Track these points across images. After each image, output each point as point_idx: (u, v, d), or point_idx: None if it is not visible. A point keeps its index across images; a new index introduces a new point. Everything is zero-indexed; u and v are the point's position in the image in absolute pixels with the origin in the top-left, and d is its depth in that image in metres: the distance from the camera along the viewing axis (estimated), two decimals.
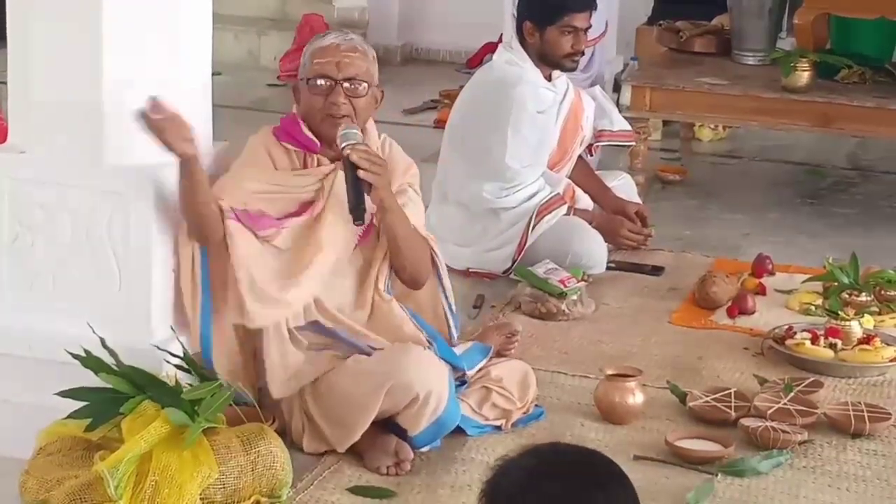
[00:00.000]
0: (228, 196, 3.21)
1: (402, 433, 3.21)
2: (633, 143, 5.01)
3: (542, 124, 4.40)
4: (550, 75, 4.44)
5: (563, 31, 4.33)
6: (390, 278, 3.37)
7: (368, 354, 3.24)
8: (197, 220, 3.17)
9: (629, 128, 4.82)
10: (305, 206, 3.28)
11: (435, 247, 3.42)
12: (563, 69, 4.42)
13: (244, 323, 3.20)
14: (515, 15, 4.48)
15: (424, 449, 3.23)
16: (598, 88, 4.91)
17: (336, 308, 3.27)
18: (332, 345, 3.27)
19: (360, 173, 3.15)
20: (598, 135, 4.72)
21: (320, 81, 3.26)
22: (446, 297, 3.46)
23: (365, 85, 3.28)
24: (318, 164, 3.31)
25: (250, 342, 3.29)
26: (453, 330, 3.47)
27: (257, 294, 3.17)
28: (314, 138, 3.30)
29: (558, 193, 4.44)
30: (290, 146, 3.31)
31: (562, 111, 4.48)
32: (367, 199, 3.18)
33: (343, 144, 3.19)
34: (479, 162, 4.40)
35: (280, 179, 3.28)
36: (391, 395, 3.15)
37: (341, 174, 3.26)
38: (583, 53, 4.46)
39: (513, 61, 4.40)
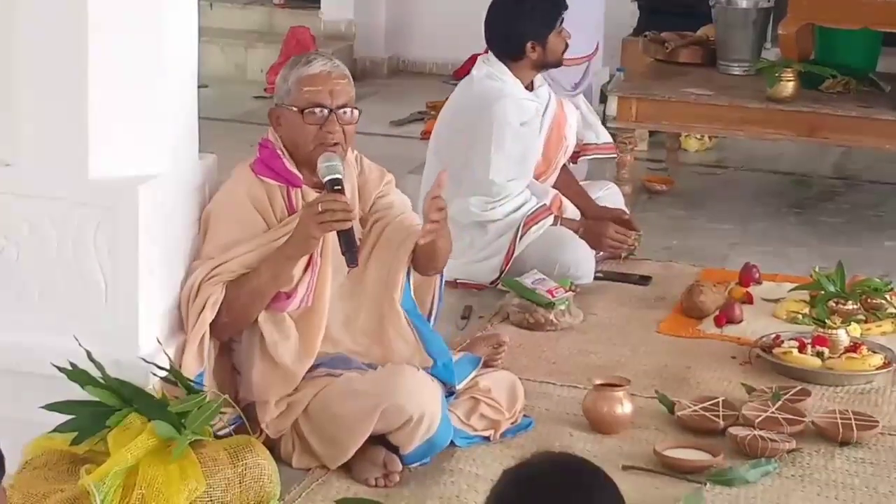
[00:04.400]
0: (238, 282, 3.17)
1: (392, 447, 3.21)
2: (615, 155, 5.04)
3: (526, 136, 4.41)
4: (532, 84, 4.45)
5: (558, 32, 4.40)
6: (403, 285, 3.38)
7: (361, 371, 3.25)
8: (250, 318, 3.19)
9: (612, 140, 4.88)
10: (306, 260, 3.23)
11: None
12: (558, 66, 4.47)
13: (272, 399, 3.20)
14: (502, 43, 4.38)
15: (414, 465, 3.23)
16: (581, 98, 4.93)
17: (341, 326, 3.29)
18: (323, 365, 3.26)
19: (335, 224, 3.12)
20: (584, 148, 4.75)
21: (316, 111, 3.23)
22: (440, 286, 3.48)
23: (356, 111, 3.28)
24: (304, 199, 3.26)
25: (227, 358, 3.30)
26: (434, 314, 3.49)
27: (286, 374, 3.19)
28: (297, 172, 3.27)
29: (545, 204, 4.44)
30: (271, 181, 3.27)
31: (545, 122, 4.48)
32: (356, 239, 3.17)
33: (326, 179, 3.17)
34: (463, 177, 4.40)
35: (275, 241, 3.21)
36: (384, 417, 3.14)
37: None
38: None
39: (493, 75, 4.40)
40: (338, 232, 3.15)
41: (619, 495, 1.81)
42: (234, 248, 3.21)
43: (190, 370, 3.14)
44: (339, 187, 3.16)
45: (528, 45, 4.35)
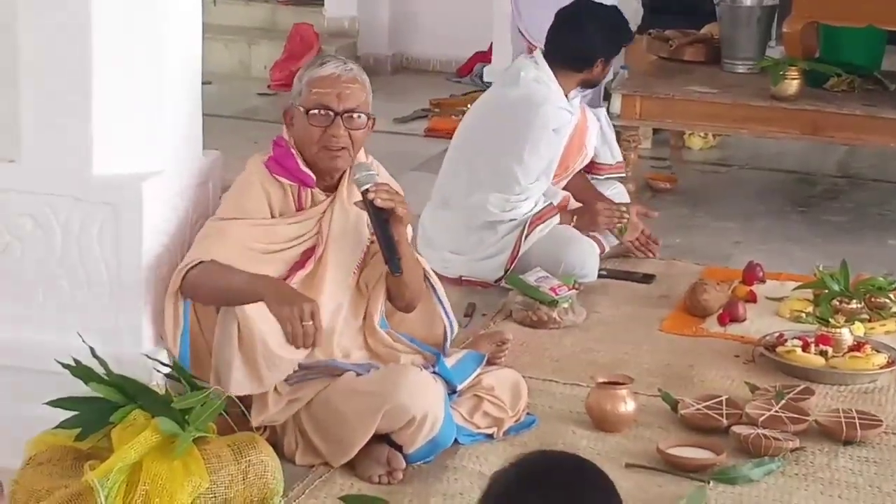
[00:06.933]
0: (235, 262, 3.15)
1: (396, 445, 3.20)
2: (625, 175, 5.03)
3: (557, 142, 4.44)
4: (568, 95, 4.47)
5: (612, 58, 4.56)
6: (384, 310, 3.38)
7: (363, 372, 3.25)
8: (217, 302, 3.16)
9: (622, 159, 4.95)
10: (307, 252, 3.25)
11: (427, 267, 3.42)
12: (595, 88, 4.75)
13: (258, 391, 3.16)
14: (573, 52, 4.43)
15: (418, 463, 3.23)
16: (602, 112, 4.97)
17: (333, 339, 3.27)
18: (322, 371, 3.25)
19: (398, 210, 3.13)
20: (598, 168, 4.76)
21: (320, 112, 3.21)
22: (447, 314, 3.45)
23: (364, 117, 3.25)
24: (313, 200, 3.27)
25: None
26: (447, 347, 3.47)
27: (271, 361, 3.14)
28: (310, 172, 3.25)
29: (551, 203, 4.46)
30: (284, 180, 3.26)
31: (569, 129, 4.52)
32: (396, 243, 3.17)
33: (363, 188, 3.18)
34: (488, 173, 4.41)
35: (281, 236, 3.22)
36: (387, 417, 3.14)
37: (338, 211, 3.26)
38: None
39: (540, 79, 4.43)
40: (376, 230, 3.17)
41: (613, 492, 1.77)
42: (237, 220, 3.21)
43: (168, 329, 3.16)
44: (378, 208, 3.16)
45: (599, 60, 4.43)
